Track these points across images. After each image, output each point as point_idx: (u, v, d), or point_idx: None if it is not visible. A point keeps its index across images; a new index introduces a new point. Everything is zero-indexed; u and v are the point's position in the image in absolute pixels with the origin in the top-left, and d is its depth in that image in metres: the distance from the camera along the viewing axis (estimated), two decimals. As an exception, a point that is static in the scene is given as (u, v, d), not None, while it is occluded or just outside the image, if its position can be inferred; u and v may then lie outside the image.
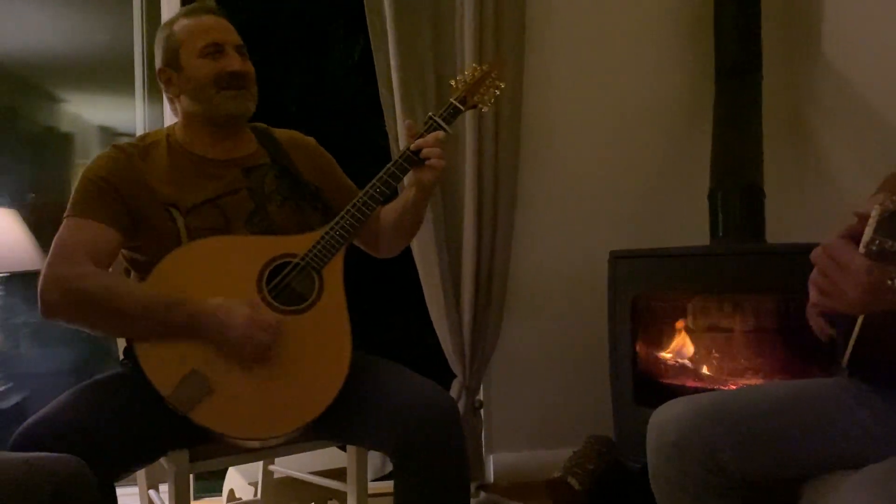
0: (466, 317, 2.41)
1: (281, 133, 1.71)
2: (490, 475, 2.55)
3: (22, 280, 2.59)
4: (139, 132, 2.82)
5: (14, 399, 2.77)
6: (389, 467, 1.43)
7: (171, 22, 1.59)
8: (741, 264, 2.13)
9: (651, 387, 2.28)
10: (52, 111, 3.42)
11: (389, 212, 1.66)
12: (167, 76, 1.57)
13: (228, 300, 1.37)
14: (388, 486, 1.72)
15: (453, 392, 2.45)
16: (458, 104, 1.59)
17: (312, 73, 3.68)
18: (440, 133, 1.54)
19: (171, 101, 1.61)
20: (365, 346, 1.54)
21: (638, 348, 2.29)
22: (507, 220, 2.48)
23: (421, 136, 1.53)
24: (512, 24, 2.45)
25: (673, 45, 2.62)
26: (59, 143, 3.44)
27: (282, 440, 1.42)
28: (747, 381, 2.21)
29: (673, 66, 2.62)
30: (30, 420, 1.25)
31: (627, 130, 2.61)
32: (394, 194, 1.61)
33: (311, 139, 1.76)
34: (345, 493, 1.60)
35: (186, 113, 1.57)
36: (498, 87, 1.64)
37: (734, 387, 2.20)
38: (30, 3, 3.01)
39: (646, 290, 2.29)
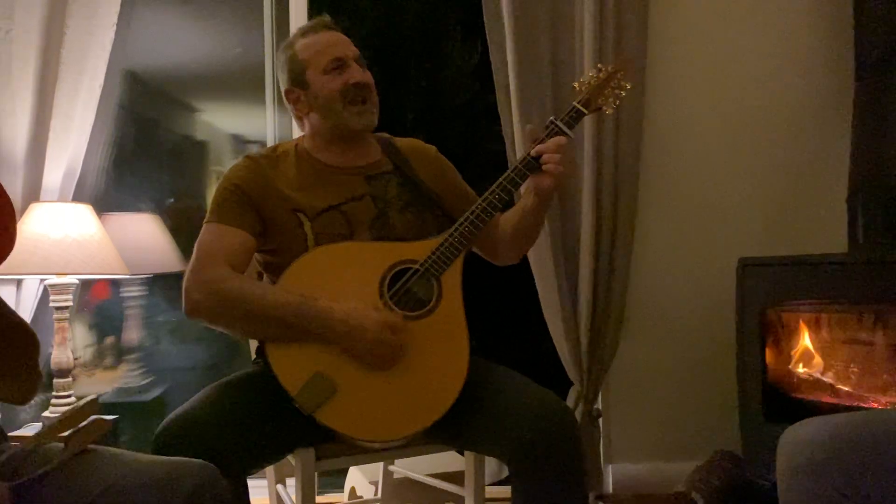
0: (584, 325, 2.37)
1: (403, 142, 1.75)
2: (609, 486, 2.49)
3: (163, 281, 2.77)
4: (269, 139, 2.96)
5: (155, 392, 2.97)
6: (507, 472, 1.42)
7: (291, 43, 1.65)
8: (884, 273, 1.99)
9: (782, 402, 2.16)
10: (189, 121, 3.62)
11: (508, 219, 1.66)
12: (295, 96, 1.64)
13: (359, 305, 1.41)
14: (505, 491, 1.72)
15: (570, 400, 2.42)
16: (581, 107, 1.57)
17: (430, 79, 3.72)
18: (562, 138, 1.52)
19: (299, 119, 1.68)
20: (482, 352, 1.55)
21: (768, 360, 2.18)
22: (628, 226, 2.42)
23: (541, 141, 1.52)
24: (634, 23, 2.39)
25: (806, 40, 2.48)
26: (195, 151, 3.64)
27: (401, 443, 1.45)
28: (891, 399, 2.05)
29: (806, 63, 2.47)
30: (170, 416, 1.34)
31: (757, 131, 2.49)
32: (512, 201, 1.60)
33: (431, 147, 1.78)
34: (462, 497, 1.61)
35: (315, 128, 1.64)
36: (623, 89, 1.60)
37: (875, 405, 2.05)
38: (170, 21, 3.21)
39: (777, 299, 2.18)
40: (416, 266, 1.50)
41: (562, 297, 2.37)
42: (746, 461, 2.16)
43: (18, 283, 2.33)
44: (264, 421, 1.37)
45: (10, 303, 2.30)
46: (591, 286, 2.36)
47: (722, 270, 2.29)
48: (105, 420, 1.10)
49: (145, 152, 3.29)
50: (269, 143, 2.93)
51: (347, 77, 1.58)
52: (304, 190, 1.57)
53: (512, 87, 2.35)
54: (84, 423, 1.05)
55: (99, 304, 3.07)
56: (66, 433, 1.04)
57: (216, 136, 3.67)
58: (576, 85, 1.62)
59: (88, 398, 1.10)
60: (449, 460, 2.03)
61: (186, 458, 1.05)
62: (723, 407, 2.29)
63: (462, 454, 1.59)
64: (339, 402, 1.38)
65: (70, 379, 2.21)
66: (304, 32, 1.66)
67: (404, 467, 1.92)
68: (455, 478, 1.73)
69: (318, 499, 2.46)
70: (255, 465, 1.39)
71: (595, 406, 2.45)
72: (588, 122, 2.32)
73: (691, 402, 2.47)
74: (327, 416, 1.37)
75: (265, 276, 1.65)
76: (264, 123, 3.01)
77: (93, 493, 0.97)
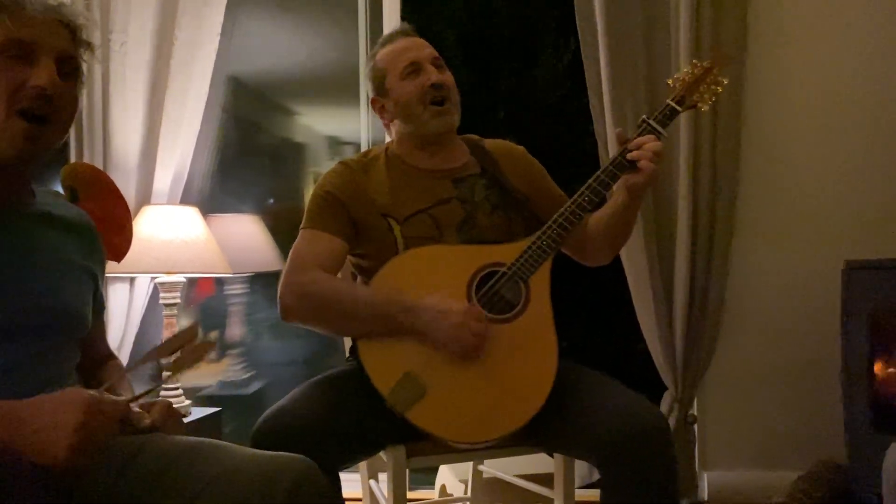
0: (679, 328, 2.32)
1: (492, 143, 1.76)
2: (704, 493, 2.43)
3: (263, 280, 2.89)
4: (362, 140, 3.03)
5: (255, 386, 3.10)
6: (597, 476, 1.41)
7: (374, 54, 1.71)
8: None
9: (892, 412, 2.04)
10: (287, 124, 3.75)
11: (598, 219, 1.64)
12: (380, 105, 1.69)
13: (445, 299, 1.44)
14: (596, 494, 1.71)
15: (664, 404, 2.37)
16: (674, 105, 1.54)
17: (522, 79, 3.72)
18: (653, 137, 1.49)
19: (387, 127, 1.72)
20: (572, 355, 1.54)
21: (876, 369, 2.07)
22: (726, 227, 2.35)
23: (633, 140, 1.50)
24: (732, 16, 2.32)
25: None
26: (293, 153, 3.76)
27: (489, 444, 1.46)
28: None
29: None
30: (268, 412, 1.39)
31: (863, 129, 2.36)
32: (603, 201, 1.59)
33: (520, 148, 1.79)
34: (552, 499, 1.61)
35: (400, 133, 1.68)
36: (720, 85, 1.56)
37: None
38: (270, 29, 3.33)
39: (886, 303, 2.06)
40: (504, 269, 1.51)
41: (656, 298, 2.33)
42: (852, 473, 2.06)
43: (132, 280, 2.48)
44: (357, 418, 1.41)
45: (124, 299, 2.47)
46: (687, 287, 2.30)
47: (826, 272, 2.19)
48: (207, 343, 1.16)
49: (247, 155, 3.43)
50: (363, 144, 3.01)
51: (424, 79, 1.61)
52: (394, 194, 1.60)
53: (604, 86, 2.32)
54: (188, 348, 1.12)
55: (204, 300, 3.24)
56: (171, 357, 1.11)
57: (313, 138, 3.78)
58: (669, 81, 1.58)
59: (188, 325, 1.16)
60: (539, 461, 2.02)
61: (287, 454, 1.08)
62: (826, 415, 2.19)
63: (552, 456, 1.58)
64: (429, 403, 1.40)
65: (178, 372, 2.34)
66: (384, 42, 1.71)
67: (494, 467, 1.93)
68: (545, 479, 1.73)
69: (410, 495, 2.51)
70: (348, 460, 1.43)
71: (690, 411, 2.39)
72: (684, 118, 2.26)
73: (793, 409, 2.37)
74: (417, 416, 1.40)
75: (359, 279, 1.70)
76: (358, 125, 3.09)
77: (203, 482, 1.02)
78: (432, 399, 1.41)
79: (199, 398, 2.90)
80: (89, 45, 1.15)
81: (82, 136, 2.46)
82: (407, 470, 1.52)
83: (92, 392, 0.95)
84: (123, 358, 2.49)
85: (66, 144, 2.39)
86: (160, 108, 2.51)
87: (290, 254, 1.54)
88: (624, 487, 1.34)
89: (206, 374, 3.13)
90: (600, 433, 1.36)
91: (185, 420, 2.25)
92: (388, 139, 1.78)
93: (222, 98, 2.75)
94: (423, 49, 1.65)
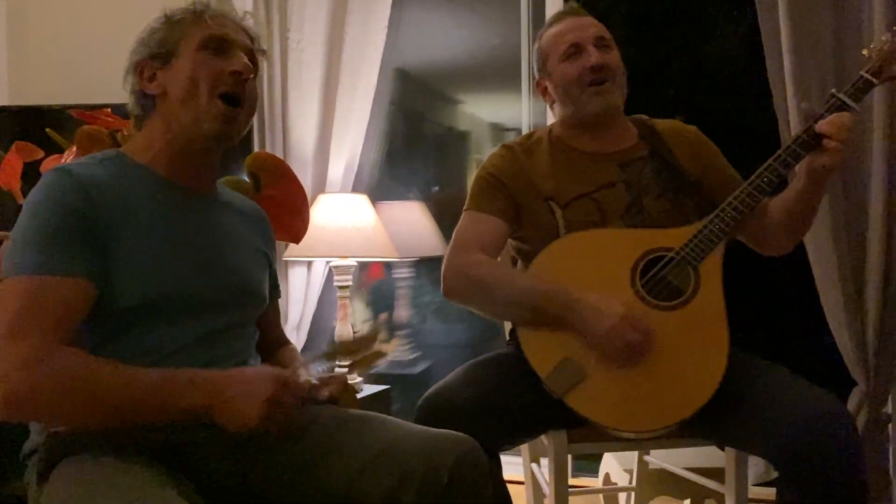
0: (872, 319, 2.11)
1: (662, 124, 1.69)
2: (898, 500, 2.21)
3: (428, 264, 2.97)
4: (524, 126, 3.03)
5: (421, 366, 3.20)
6: (774, 473, 1.33)
7: (540, 35, 1.69)
8: None
9: None
10: (451, 112, 3.82)
11: (778, 203, 1.53)
12: (543, 86, 1.68)
13: (606, 297, 1.40)
14: (770, 492, 1.61)
15: (853, 401, 2.17)
16: (869, 77, 1.40)
17: (693, 55, 3.54)
18: (845, 113, 1.37)
19: (551, 108, 1.71)
20: (748, 347, 1.46)
21: None
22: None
23: (821, 116, 1.38)
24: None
25: None
26: (457, 141, 3.82)
27: (653, 435, 1.42)
28: None
29: None
30: (431, 390, 1.44)
31: None
32: (784, 184, 1.48)
33: (692, 128, 1.70)
34: (722, 495, 1.54)
35: (562, 116, 1.66)
36: None
37: None
38: (433, 18, 3.40)
39: None
40: (672, 254, 1.45)
41: (845, 289, 2.13)
42: None
43: (309, 264, 2.64)
44: (518, 400, 1.42)
45: (302, 282, 2.63)
46: (882, 276, 2.09)
47: None
48: (381, 351, 1.26)
49: (413, 145, 3.53)
50: (524, 130, 3.00)
51: (584, 62, 1.57)
52: (556, 178, 1.59)
53: (786, 58, 2.15)
54: (368, 350, 1.21)
55: (375, 284, 3.39)
56: (351, 357, 1.21)
57: (477, 126, 3.82)
58: (865, 52, 1.45)
59: (371, 330, 1.25)
60: (709, 454, 1.94)
61: (450, 431, 1.13)
62: None
63: (723, 449, 1.51)
64: (589, 389, 1.39)
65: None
66: (550, 23, 1.68)
67: (660, 458, 1.88)
68: (716, 473, 1.65)
69: (572, 481, 2.50)
70: (508, 441, 1.45)
71: (884, 410, 2.18)
72: (879, 94, 2.05)
73: None
74: (576, 401, 1.38)
75: (519, 262, 1.70)
76: (520, 112, 3.08)
77: (370, 454, 1.09)
78: (592, 385, 1.39)
79: (370, 375, 3.05)
80: (263, 52, 1.29)
81: (264, 130, 2.64)
82: (569, 456, 1.51)
83: (279, 370, 1.05)
84: (302, 336, 2.66)
85: (250, 138, 2.58)
86: (332, 102, 2.64)
87: (453, 234, 1.57)
88: (803, 492, 1.26)
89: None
90: (777, 430, 1.28)
91: (357, 395, 2.37)
92: (549, 123, 1.77)
93: (390, 90, 2.85)
94: (587, 29, 1.61)
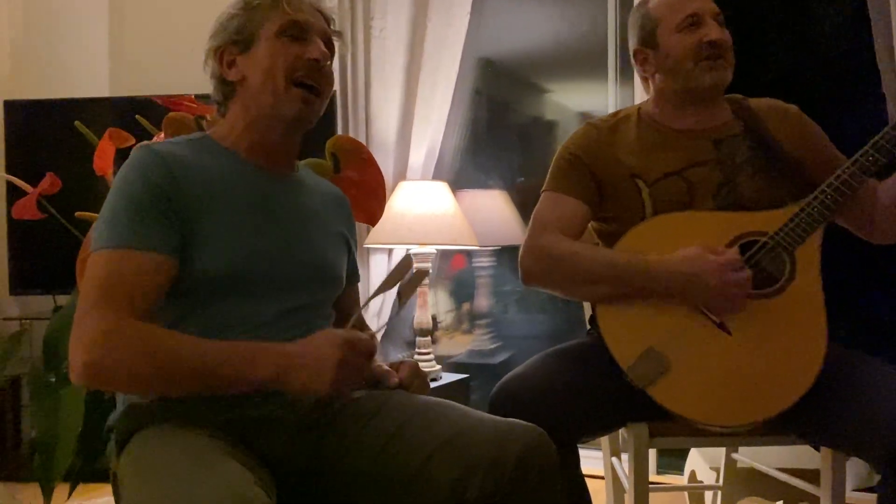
0: None
1: (758, 102, 1.58)
2: None
3: (510, 253, 2.94)
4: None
5: (502, 356, 3.17)
6: (877, 478, 1.23)
7: (645, 1, 1.58)
8: None
9: None
10: (537, 102, 3.76)
11: (889, 187, 1.42)
12: (644, 56, 1.56)
13: (689, 251, 1.34)
14: (871, 499, 1.50)
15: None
16: None
17: (795, 35, 3.36)
18: None
19: (645, 81, 1.61)
20: (849, 341, 1.36)
21: None
22: None
23: None
24: None
25: None
26: (543, 131, 3.77)
27: (743, 430, 1.34)
28: None
29: None
30: (505, 378, 1.40)
31: None
32: (893, 165, 1.37)
33: (792, 107, 1.59)
34: (817, 497, 1.44)
35: (660, 89, 1.56)
36: None
37: None
38: (517, 5, 3.36)
39: None
40: (766, 238, 1.36)
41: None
42: None
43: (389, 252, 2.65)
44: (595, 391, 1.37)
45: (383, 268, 2.65)
46: None
47: None
48: (422, 270, 1.22)
49: (497, 133, 3.50)
50: (611, 117, 2.92)
51: (702, 35, 1.47)
52: (644, 155, 1.51)
53: None
54: (406, 277, 1.19)
55: (457, 273, 3.38)
56: (394, 287, 1.19)
57: (563, 115, 3.76)
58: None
59: (402, 258, 1.25)
60: (803, 453, 1.82)
61: (518, 420, 1.10)
62: None
63: (818, 449, 1.41)
64: (674, 380, 1.32)
65: (429, 338, 2.46)
66: None
67: (750, 456, 1.78)
68: (809, 475, 1.55)
69: (657, 479, 2.42)
70: (584, 433, 1.40)
71: None
72: None
73: None
74: (661, 393, 1.32)
75: (601, 245, 1.64)
76: (606, 100, 3.01)
77: (437, 441, 1.07)
78: (678, 375, 1.32)
79: (450, 364, 3.05)
80: (339, 34, 1.28)
81: (347, 118, 2.67)
82: (653, 451, 1.45)
83: (345, 331, 1.05)
84: (382, 322, 2.68)
85: (333, 123, 2.61)
86: (414, 90, 2.65)
87: (532, 216, 1.52)
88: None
89: (457, 343, 3.27)
90: (880, 429, 1.18)
91: (436, 384, 2.37)
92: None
93: (473, 78, 2.83)
94: (707, 2, 1.51)
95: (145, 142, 1.16)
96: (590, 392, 1.37)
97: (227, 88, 1.21)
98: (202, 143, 1.19)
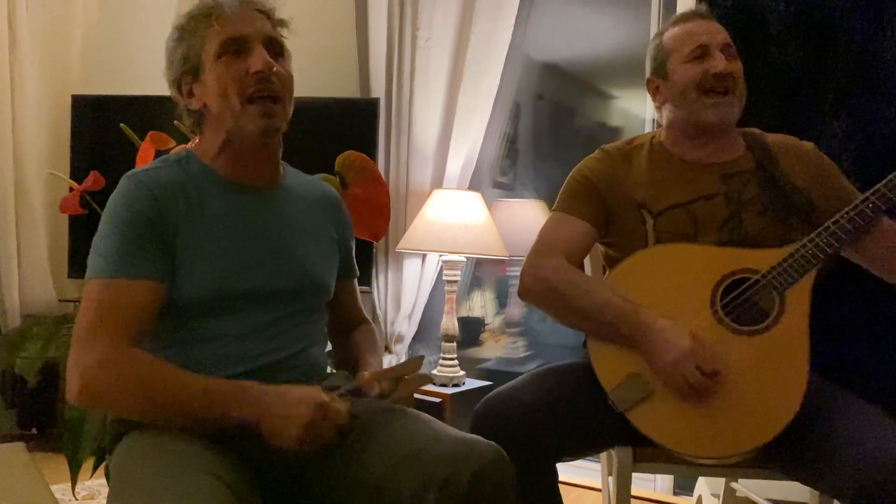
0: None
1: (774, 138, 1.58)
2: None
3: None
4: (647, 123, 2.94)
5: (531, 365, 3.20)
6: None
7: (662, 32, 1.60)
8: None
9: None
10: (603, 107, 3.75)
11: None
12: (654, 85, 1.59)
13: (677, 326, 1.36)
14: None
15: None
16: None
17: (862, 56, 3.24)
18: None
19: (658, 110, 1.63)
20: (838, 377, 1.36)
21: None
22: None
23: None
24: None
25: None
26: (609, 137, 3.75)
27: (718, 462, 1.36)
28: None
29: None
30: (491, 394, 1.44)
31: None
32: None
33: (808, 144, 1.58)
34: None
35: (670, 120, 1.58)
36: None
37: None
38: (585, 13, 3.36)
39: None
40: (757, 276, 1.37)
41: None
42: None
43: (423, 257, 2.73)
44: (580, 411, 1.40)
45: (416, 272, 2.72)
46: None
47: None
48: (424, 376, 1.28)
49: (562, 139, 3.51)
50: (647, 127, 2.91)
51: (708, 66, 1.49)
52: (652, 185, 1.53)
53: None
54: (412, 375, 1.21)
55: (501, 277, 3.42)
56: (390, 382, 1.20)
57: (630, 121, 3.74)
58: None
59: (415, 357, 1.26)
60: (801, 488, 1.82)
61: (479, 438, 1.11)
62: None
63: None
64: (654, 407, 1.35)
65: (454, 344, 2.52)
66: (675, 21, 1.60)
67: (748, 487, 1.78)
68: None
69: (673, 499, 2.43)
70: (568, 451, 1.43)
71: None
72: None
73: None
74: (639, 418, 1.35)
75: (607, 269, 1.66)
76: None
77: (402, 452, 1.09)
78: (659, 404, 1.35)
79: (477, 370, 3.09)
80: (283, 22, 1.26)
81: (391, 124, 2.75)
82: (659, 474, 1.46)
83: (325, 397, 1.08)
84: (413, 325, 2.76)
85: (375, 131, 2.68)
86: (455, 99, 2.69)
87: (538, 233, 1.56)
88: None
89: (487, 349, 3.31)
90: (852, 471, 1.18)
91: (458, 389, 2.40)
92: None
93: (522, 84, 2.85)
94: (716, 35, 1.53)
95: (131, 171, 1.21)
96: (574, 411, 1.40)
97: (194, 115, 1.25)
98: (185, 164, 1.24)
